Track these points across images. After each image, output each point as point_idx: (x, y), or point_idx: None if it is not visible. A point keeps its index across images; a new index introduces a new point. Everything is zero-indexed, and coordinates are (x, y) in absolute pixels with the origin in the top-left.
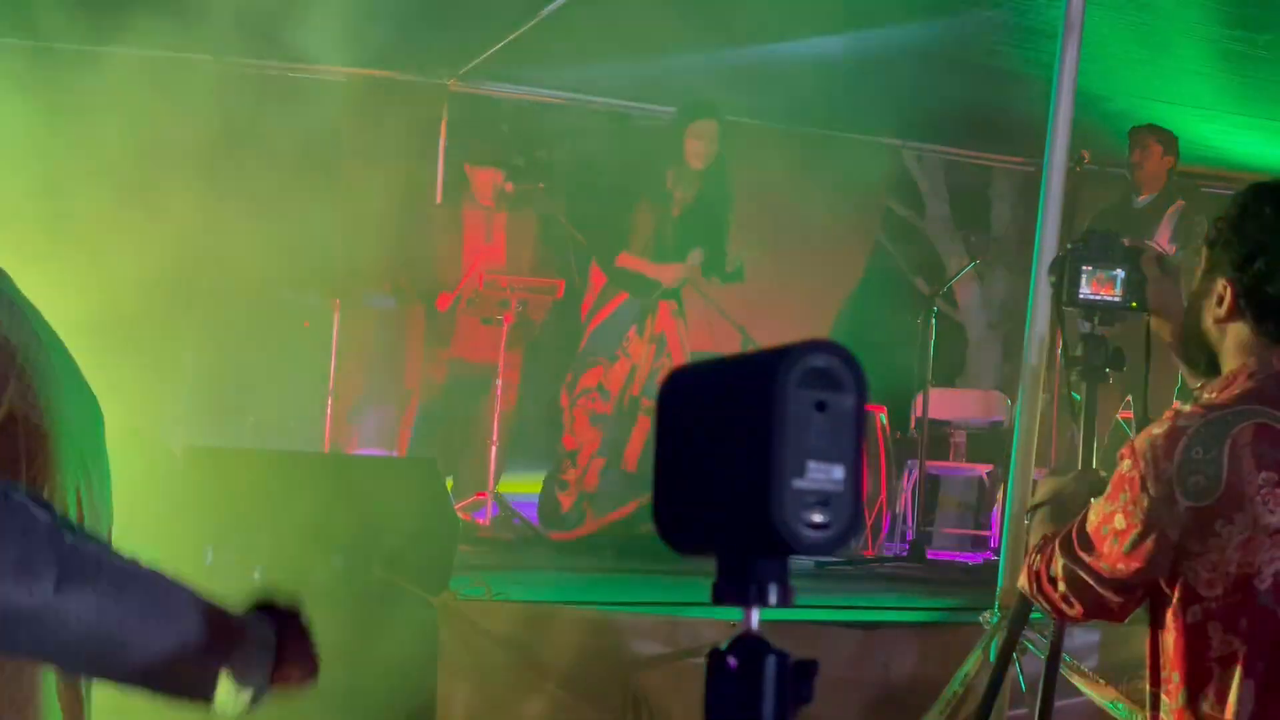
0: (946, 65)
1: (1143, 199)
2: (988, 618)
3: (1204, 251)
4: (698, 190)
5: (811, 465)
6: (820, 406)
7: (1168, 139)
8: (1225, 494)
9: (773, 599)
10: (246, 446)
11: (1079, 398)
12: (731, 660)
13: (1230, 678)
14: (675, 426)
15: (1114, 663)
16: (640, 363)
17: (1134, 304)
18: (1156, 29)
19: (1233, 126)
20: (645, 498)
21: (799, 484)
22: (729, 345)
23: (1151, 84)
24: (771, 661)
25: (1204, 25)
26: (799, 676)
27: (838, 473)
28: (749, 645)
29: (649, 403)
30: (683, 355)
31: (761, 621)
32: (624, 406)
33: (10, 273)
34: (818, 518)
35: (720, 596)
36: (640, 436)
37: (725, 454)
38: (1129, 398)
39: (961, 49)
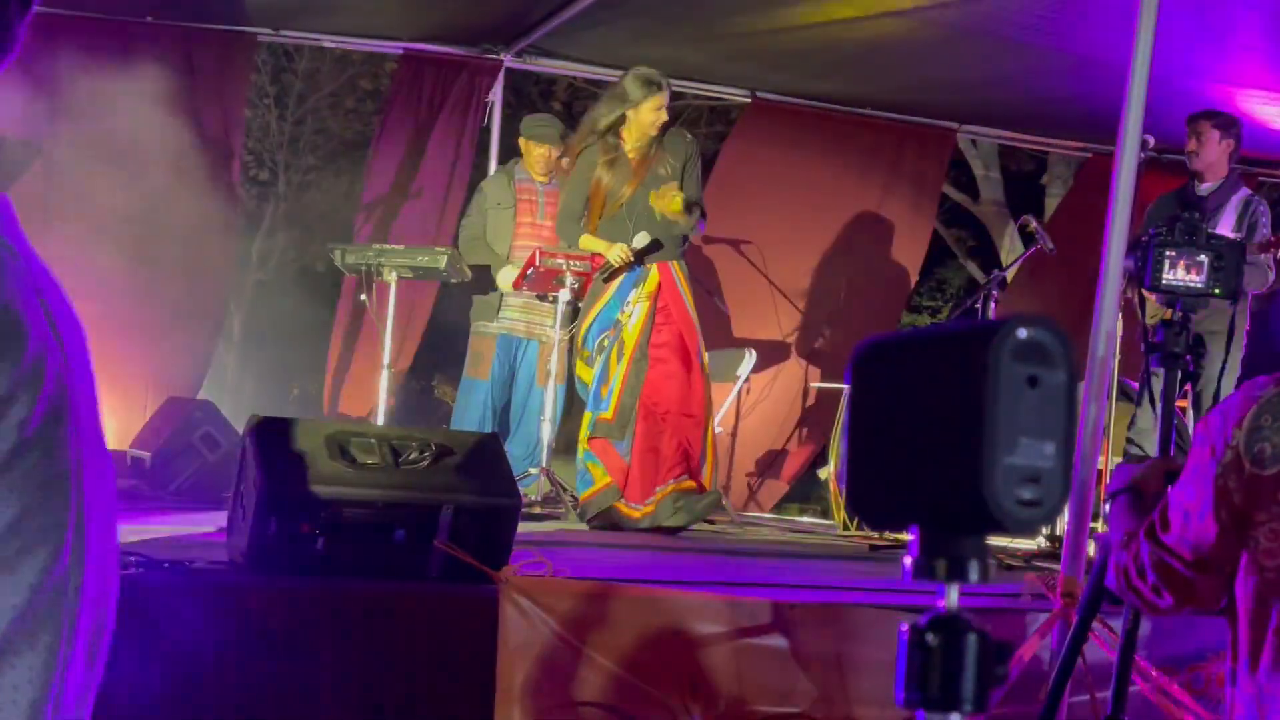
0: (1005, 47)
1: (1205, 185)
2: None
3: None
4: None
5: (1023, 441)
6: (1032, 381)
7: (1225, 122)
8: None
9: (974, 575)
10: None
11: (1132, 384)
12: (931, 638)
13: None
14: (872, 399)
15: (1169, 655)
16: (632, 321)
17: (1217, 290)
18: (1222, 4)
19: None
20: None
21: (1010, 460)
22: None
23: (1214, 64)
24: (972, 640)
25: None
26: (998, 657)
27: (1049, 448)
28: (949, 623)
29: (636, 354)
30: (685, 311)
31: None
32: (610, 360)
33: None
34: (1028, 494)
35: (919, 572)
36: (621, 388)
37: (931, 428)
38: (1188, 386)
39: (1022, 30)
